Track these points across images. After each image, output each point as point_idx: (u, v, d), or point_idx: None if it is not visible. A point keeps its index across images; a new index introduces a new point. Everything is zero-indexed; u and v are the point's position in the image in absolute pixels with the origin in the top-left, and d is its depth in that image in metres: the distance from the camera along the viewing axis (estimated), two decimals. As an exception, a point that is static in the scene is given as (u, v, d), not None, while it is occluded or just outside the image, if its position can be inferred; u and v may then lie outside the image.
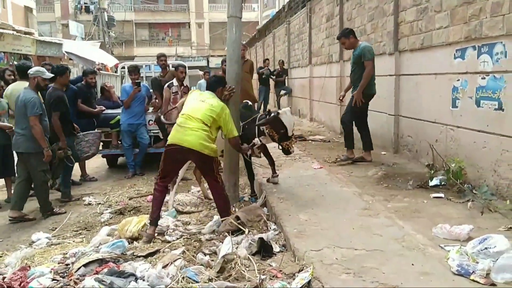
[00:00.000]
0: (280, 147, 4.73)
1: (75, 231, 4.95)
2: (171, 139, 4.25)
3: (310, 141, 8.44)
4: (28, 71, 5.62)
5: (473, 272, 2.71)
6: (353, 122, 6.25)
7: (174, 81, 7.07)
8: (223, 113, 4.23)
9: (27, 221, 5.45)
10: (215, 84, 4.50)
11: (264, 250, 3.48)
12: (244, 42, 15.82)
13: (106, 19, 29.80)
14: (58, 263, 3.76)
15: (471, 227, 3.36)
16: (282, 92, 14.51)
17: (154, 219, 4.25)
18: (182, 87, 7.10)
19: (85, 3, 36.78)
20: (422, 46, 5.65)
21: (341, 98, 6.79)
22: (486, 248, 2.88)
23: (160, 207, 4.37)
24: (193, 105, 4.32)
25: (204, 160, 4.26)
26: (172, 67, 9.41)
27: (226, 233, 3.93)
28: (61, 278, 3.36)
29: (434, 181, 4.82)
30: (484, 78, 4.41)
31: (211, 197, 5.63)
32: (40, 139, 5.33)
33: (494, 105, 4.27)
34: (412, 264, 2.91)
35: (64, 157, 5.91)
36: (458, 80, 4.87)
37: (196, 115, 4.19)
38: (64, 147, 5.91)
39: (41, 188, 5.57)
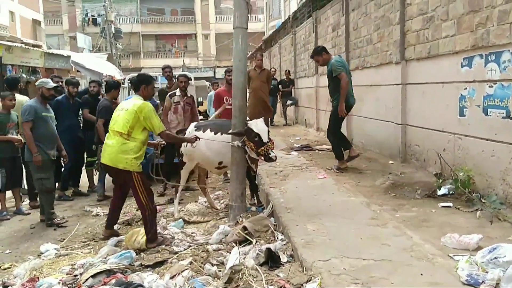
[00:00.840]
0: (262, 157, 4.69)
1: (83, 242, 4.97)
2: None
3: (316, 150, 8.43)
4: (35, 83, 5.91)
5: (483, 282, 2.68)
6: (338, 133, 6.57)
7: (178, 91, 7.00)
8: (142, 112, 4.24)
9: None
10: (137, 83, 4.53)
11: (271, 260, 3.47)
12: (250, 53, 15.90)
13: (113, 31, 30.11)
14: (67, 274, 3.78)
15: (480, 237, 3.34)
16: (289, 102, 14.53)
17: (108, 223, 4.84)
18: (185, 97, 6.98)
19: (92, 16, 37.29)
20: (428, 55, 5.65)
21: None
22: (495, 258, 2.85)
23: (112, 211, 4.83)
24: (113, 117, 4.46)
25: (122, 175, 4.39)
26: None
27: (234, 244, 3.93)
28: (70, 289, 3.38)
29: (442, 190, 4.79)
30: (491, 86, 4.40)
31: (218, 207, 5.66)
32: (29, 143, 5.56)
33: (502, 113, 4.24)
34: (421, 274, 2.88)
35: None
36: (466, 88, 4.86)
37: (113, 128, 4.35)
38: None
39: (41, 196, 5.78)
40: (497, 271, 2.71)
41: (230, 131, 4.80)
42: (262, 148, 4.59)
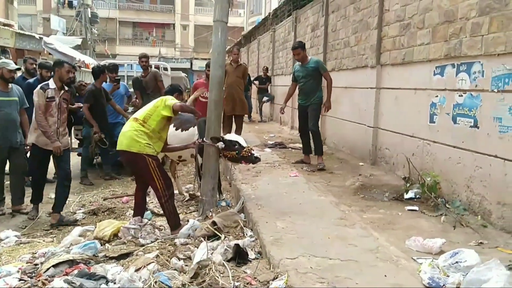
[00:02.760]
0: (244, 161, 4.72)
1: (46, 230, 4.86)
2: None
3: (290, 148, 8.48)
4: None
5: (444, 285, 2.76)
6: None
7: (51, 82, 5.22)
8: (163, 100, 4.38)
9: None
10: (171, 92, 4.92)
11: (239, 256, 3.46)
12: (228, 47, 15.80)
13: (89, 16, 29.37)
14: (27, 263, 3.68)
15: (443, 241, 3.43)
16: (265, 99, 14.55)
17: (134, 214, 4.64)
18: (62, 91, 5.25)
19: (68, -2, 36.24)
20: (403, 61, 5.75)
21: (282, 112, 7.23)
22: (457, 262, 2.95)
23: (136, 203, 4.67)
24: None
25: (136, 160, 4.30)
26: (154, 67, 9.34)
27: (202, 238, 3.90)
28: (29, 279, 3.29)
29: (410, 194, 4.90)
30: (461, 95, 4.52)
31: (185, 194, 5.86)
32: None
33: (470, 122, 4.37)
34: (385, 276, 2.94)
35: (98, 140, 6.83)
36: (437, 96, 4.97)
37: (133, 116, 4.48)
38: (97, 131, 6.84)
39: None
40: (458, 275, 2.79)
41: (204, 139, 4.78)
42: (245, 150, 4.64)
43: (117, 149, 4.42)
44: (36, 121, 5.06)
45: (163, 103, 4.32)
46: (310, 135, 6.75)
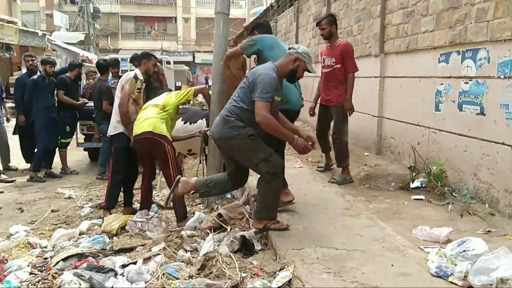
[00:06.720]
0: None
1: (54, 224, 4.88)
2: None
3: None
4: None
5: (451, 274, 2.75)
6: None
7: (139, 73, 4.95)
8: (173, 93, 4.74)
9: None
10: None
11: (245, 248, 3.48)
12: (230, 39, 15.75)
13: (92, 11, 29.37)
14: (36, 257, 3.71)
15: (451, 230, 3.42)
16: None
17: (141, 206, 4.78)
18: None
19: (70, -7, 36.18)
20: (407, 49, 5.70)
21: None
22: (464, 251, 2.93)
23: (144, 205, 4.70)
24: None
25: (155, 146, 4.39)
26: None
27: (208, 230, 3.92)
28: (39, 272, 3.32)
29: (416, 183, 4.88)
30: (467, 83, 4.48)
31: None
32: None
33: (476, 109, 4.33)
34: (392, 265, 2.94)
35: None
36: (442, 84, 4.93)
37: (150, 103, 4.65)
38: None
39: None
40: (466, 264, 2.79)
41: (208, 132, 4.77)
42: None
43: (137, 133, 4.38)
44: (120, 112, 4.75)
45: (176, 93, 4.68)
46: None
